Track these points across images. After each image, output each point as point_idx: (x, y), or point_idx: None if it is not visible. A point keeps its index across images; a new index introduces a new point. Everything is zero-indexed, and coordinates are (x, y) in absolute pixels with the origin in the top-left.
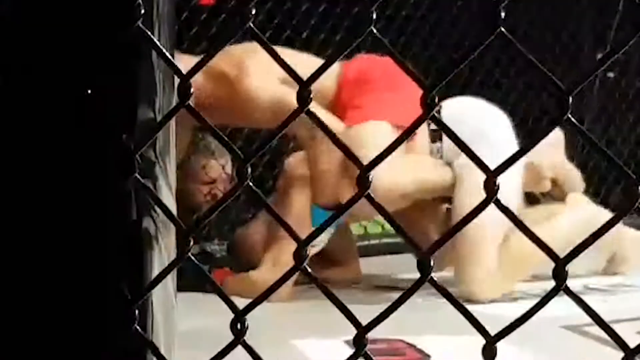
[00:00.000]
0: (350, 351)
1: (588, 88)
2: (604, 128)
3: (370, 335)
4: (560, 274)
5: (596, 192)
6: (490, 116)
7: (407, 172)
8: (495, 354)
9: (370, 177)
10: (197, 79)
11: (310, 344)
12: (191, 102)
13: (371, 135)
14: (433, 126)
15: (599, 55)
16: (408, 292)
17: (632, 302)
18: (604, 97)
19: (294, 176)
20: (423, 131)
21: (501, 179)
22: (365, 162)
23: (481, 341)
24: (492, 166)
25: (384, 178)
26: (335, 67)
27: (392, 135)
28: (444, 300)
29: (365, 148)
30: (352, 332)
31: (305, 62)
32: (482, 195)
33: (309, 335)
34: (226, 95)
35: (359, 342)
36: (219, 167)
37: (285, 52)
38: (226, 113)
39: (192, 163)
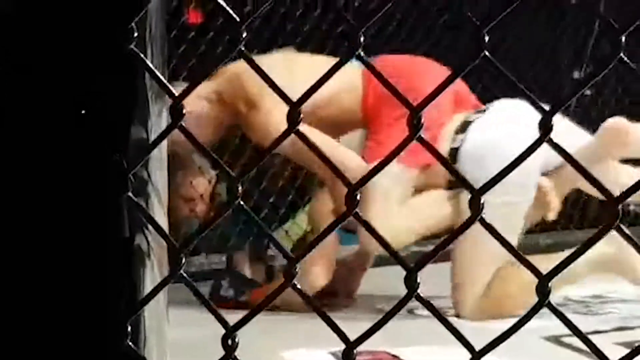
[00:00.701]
0: None
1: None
2: None
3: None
4: (543, 290)
5: (574, 204)
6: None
7: (403, 223)
8: None
9: (358, 196)
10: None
11: (299, 354)
12: (184, 122)
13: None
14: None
15: (576, 74)
16: (396, 307)
17: (610, 313)
18: (581, 114)
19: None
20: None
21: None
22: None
23: (465, 352)
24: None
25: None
26: (357, 74)
27: (400, 176)
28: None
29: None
30: (339, 343)
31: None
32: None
33: (297, 346)
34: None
35: (347, 357)
36: (205, 183)
37: (300, 57)
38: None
39: (178, 178)
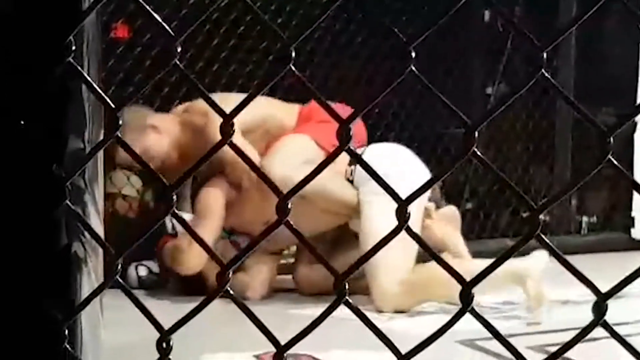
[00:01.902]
0: None
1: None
2: (491, 159)
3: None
4: (466, 297)
5: (486, 215)
6: (407, 158)
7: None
8: None
9: (290, 205)
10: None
11: (222, 358)
12: (119, 133)
13: (285, 143)
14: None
15: (489, 90)
16: (325, 312)
17: (519, 318)
18: (493, 129)
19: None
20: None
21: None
22: (275, 165)
23: (386, 356)
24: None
25: (280, 172)
26: (295, 108)
27: (308, 144)
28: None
29: (278, 153)
30: (262, 347)
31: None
32: (386, 221)
33: (219, 349)
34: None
35: None
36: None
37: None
38: None
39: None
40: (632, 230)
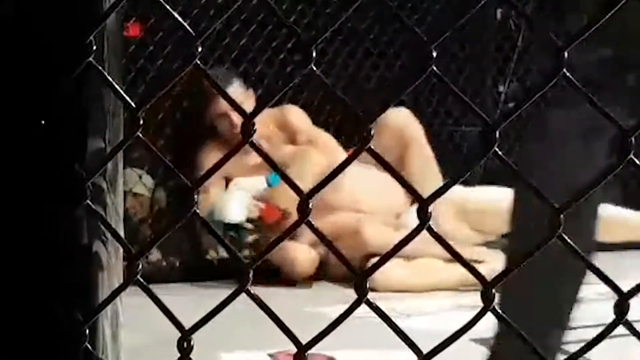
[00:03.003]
0: None
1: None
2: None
3: (289, 348)
4: (488, 296)
5: None
6: None
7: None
8: None
9: (310, 205)
10: None
11: (237, 357)
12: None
13: None
14: None
15: (501, 88)
16: (346, 311)
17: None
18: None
19: None
20: None
21: None
22: None
23: (396, 355)
24: None
25: None
26: None
27: None
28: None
29: None
30: (277, 345)
31: None
32: None
33: (235, 348)
34: None
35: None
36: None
37: None
38: None
39: None
40: None
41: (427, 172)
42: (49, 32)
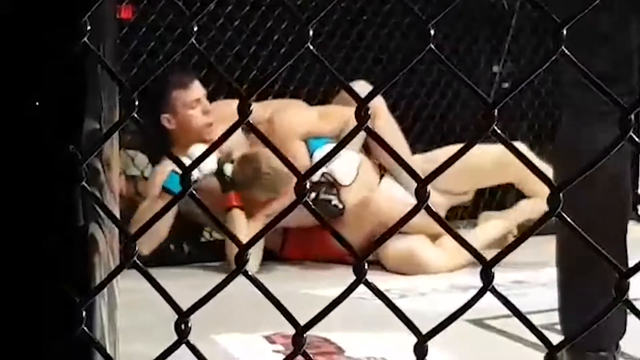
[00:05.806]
0: (269, 346)
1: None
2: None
3: (283, 330)
4: (487, 276)
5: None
6: None
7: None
8: (426, 352)
9: (308, 185)
10: None
11: (231, 338)
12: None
13: None
14: None
15: (495, 68)
16: (345, 292)
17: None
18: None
19: None
20: None
21: None
22: None
23: (391, 336)
24: None
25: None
26: None
27: None
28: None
29: None
30: (271, 327)
31: None
32: None
33: (229, 330)
34: None
35: (298, 342)
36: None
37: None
38: None
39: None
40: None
41: (394, 142)
42: (44, 13)
